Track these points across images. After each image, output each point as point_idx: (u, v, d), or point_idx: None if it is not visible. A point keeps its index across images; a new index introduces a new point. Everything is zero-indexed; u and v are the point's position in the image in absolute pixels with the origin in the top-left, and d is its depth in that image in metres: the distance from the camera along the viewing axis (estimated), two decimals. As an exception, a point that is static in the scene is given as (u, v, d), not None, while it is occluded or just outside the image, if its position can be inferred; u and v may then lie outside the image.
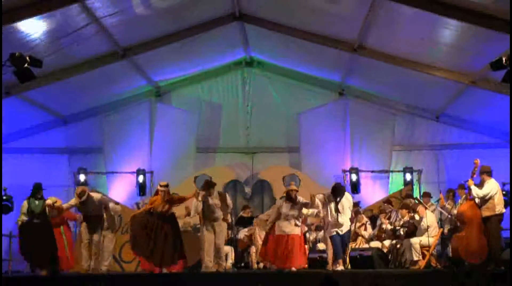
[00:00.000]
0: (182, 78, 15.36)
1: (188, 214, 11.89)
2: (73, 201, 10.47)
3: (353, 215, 12.33)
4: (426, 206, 11.29)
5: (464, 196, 10.67)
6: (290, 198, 10.13)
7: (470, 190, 9.71)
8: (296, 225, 10.10)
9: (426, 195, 12.20)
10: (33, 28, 10.54)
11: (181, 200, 10.57)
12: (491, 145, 13.97)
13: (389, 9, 10.61)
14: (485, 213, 9.61)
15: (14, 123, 13.49)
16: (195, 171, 14.64)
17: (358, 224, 12.05)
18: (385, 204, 12.99)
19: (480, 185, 9.74)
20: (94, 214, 10.53)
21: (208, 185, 10.34)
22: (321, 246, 11.73)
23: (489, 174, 9.74)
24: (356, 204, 13.04)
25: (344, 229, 10.05)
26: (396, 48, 12.24)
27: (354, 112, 14.86)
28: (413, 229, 11.00)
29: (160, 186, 10.36)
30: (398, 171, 14.66)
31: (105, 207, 10.66)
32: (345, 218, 10.10)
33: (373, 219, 12.53)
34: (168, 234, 10.11)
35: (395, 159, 14.81)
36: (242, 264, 11.98)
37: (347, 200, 10.26)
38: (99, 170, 14.63)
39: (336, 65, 14.19)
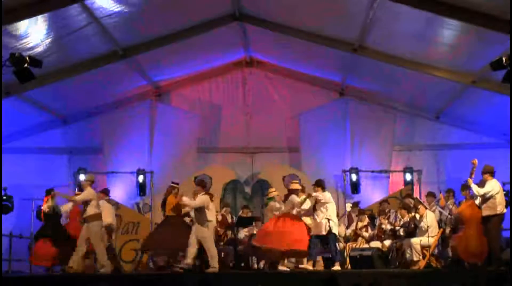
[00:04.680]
0: (182, 78, 15.35)
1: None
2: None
3: (355, 215, 12.41)
4: (428, 206, 11.29)
5: (468, 196, 10.61)
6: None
7: (470, 188, 9.71)
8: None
9: (430, 195, 12.18)
10: (33, 28, 10.53)
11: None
12: (491, 145, 13.95)
13: (389, 9, 10.60)
14: (486, 212, 9.60)
15: (14, 123, 13.44)
16: (195, 171, 14.64)
17: (360, 225, 12.05)
18: (385, 204, 13.00)
19: (481, 184, 9.73)
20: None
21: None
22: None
23: (492, 174, 9.74)
24: (356, 204, 13.09)
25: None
26: (396, 48, 12.22)
27: (354, 112, 14.86)
28: (413, 229, 11.01)
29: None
30: (398, 171, 14.66)
31: None
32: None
33: (372, 219, 12.54)
34: None
35: (395, 159, 14.82)
36: (242, 264, 11.96)
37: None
38: (99, 170, 14.60)
39: (336, 65, 14.19)
